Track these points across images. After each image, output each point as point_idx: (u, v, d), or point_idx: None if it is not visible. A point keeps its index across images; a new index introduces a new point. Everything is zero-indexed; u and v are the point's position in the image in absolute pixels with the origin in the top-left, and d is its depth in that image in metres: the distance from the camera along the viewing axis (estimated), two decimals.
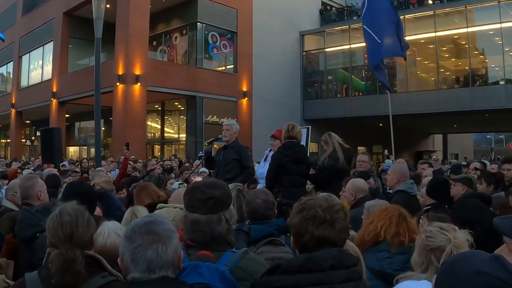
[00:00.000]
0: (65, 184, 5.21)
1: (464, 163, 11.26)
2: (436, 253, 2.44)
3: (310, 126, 9.77)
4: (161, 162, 12.45)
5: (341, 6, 32.65)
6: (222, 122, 9.05)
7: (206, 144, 7.52)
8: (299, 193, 5.46)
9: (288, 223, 2.23)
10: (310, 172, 6.51)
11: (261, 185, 6.61)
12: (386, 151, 14.51)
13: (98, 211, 4.01)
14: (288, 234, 3.90)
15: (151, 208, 3.95)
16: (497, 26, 23.41)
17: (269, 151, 6.98)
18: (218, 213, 2.37)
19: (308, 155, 7.56)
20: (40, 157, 14.24)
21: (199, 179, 9.08)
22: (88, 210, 2.63)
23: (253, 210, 3.61)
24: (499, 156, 26.16)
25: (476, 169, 9.12)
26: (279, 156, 6.16)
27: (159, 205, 3.76)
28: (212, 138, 7.48)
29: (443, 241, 2.46)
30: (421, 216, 4.10)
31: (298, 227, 2.09)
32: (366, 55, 28.03)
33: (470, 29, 24.68)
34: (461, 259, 1.48)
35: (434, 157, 18.54)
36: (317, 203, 2.12)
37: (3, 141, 38.69)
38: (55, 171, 9.15)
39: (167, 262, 1.88)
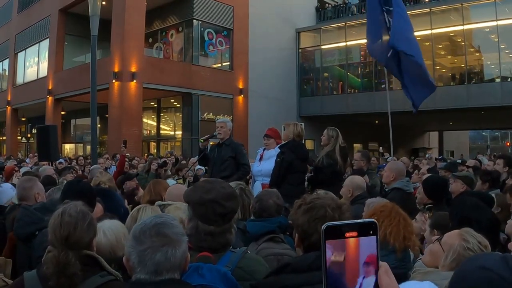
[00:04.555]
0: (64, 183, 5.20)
1: (459, 160, 11.26)
2: None
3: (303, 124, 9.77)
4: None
5: (337, 4, 32.62)
6: (217, 119, 9.07)
7: (202, 141, 7.50)
8: (302, 191, 5.53)
9: (293, 222, 2.20)
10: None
11: (258, 182, 6.63)
12: (381, 148, 14.38)
13: (99, 207, 4.00)
14: (288, 233, 3.92)
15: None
16: (493, 23, 23.45)
17: (263, 150, 6.97)
18: (230, 222, 2.37)
19: None
20: (36, 154, 14.21)
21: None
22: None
23: (263, 209, 3.59)
24: (495, 154, 26.21)
25: (468, 167, 9.12)
26: (290, 154, 6.20)
27: (158, 202, 3.76)
28: (208, 135, 7.48)
29: None
30: (423, 213, 4.09)
31: (306, 226, 2.07)
32: (362, 52, 28.16)
33: (466, 27, 24.70)
34: (473, 257, 1.50)
35: (427, 155, 18.45)
36: (325, 202, 2.11)
37: None
38: (50, 168, 9.13)
39: (175, 265, 1.86)
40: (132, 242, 1.88)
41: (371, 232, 1.11)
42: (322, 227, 1.10)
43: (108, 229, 2.90)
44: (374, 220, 1.12)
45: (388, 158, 11.43)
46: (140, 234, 1.87)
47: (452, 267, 2.46)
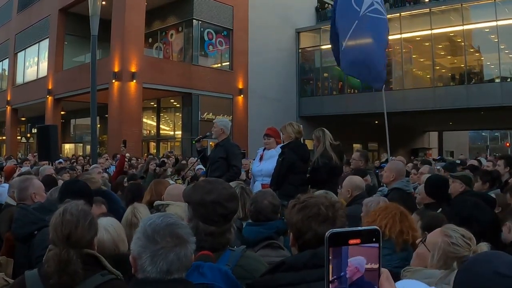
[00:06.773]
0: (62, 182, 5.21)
1: (458, 161, 11.33)
2: (459, 261, 2.38)
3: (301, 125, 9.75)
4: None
5: None
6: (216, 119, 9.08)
7: (194, 142, 7.57)
8: (304, 192, 5.50)
9: (287, 221, 2.20)
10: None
11: (258, 182, 6.62)
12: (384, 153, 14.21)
13: (103, 209, 4.01)
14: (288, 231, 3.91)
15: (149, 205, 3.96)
16: (493, 24, 23.45)
17: (263, 150, 6.94)
18: (230, 222, 2.38)
19: None
20: (36, 154, 14.21)
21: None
22: None
23: (258, 211, 3.54)
24: (495, 154, 26.20)
25: (472, 166, 9.16)
26: (292, 155, 6.19)
27: (157, 202, 3.76)
28: (200, 136, 7.54)
29: (467, 252, 2.42)
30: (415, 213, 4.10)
31: (300, 225, 2.06)
32: None
33: (466, 27, 24.71)
34: (482, 260, 1.47)
35: (433, 163, 18.22)
36: (319, 201, 2.11)
37: None
38: (50, 168, 9.13)
39: (185, 266, 1.88)
40: (144, 241, 1.87)
41: (374, 239, 1.13)
42: (326, 234, 1.11)
43: (109, 225, 2.95)
44: (377, 227, 1.14)
45: (387, 158, 11.43)
46: (153, 234, 1.87)
47: (440, 265, 2.46)
